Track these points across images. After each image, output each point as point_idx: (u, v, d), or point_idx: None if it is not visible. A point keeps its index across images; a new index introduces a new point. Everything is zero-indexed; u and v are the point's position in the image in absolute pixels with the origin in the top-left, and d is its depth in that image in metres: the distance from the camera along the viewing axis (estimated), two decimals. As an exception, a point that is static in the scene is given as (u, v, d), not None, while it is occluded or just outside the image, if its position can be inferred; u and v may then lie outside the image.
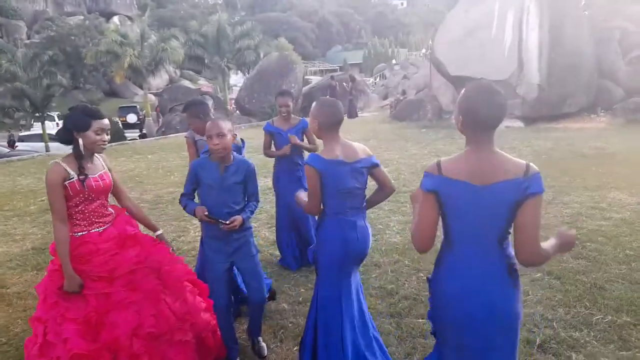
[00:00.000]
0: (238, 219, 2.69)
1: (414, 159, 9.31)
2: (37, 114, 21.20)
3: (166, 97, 21.62)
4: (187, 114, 3.58)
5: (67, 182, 2.42)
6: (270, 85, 19.74)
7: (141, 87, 25.36)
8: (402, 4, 74.24)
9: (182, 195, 2.87)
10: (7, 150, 17.55)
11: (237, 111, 22.90)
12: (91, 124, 2.46)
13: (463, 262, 1.80)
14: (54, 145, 18.26)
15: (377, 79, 31.35)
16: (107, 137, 2.54)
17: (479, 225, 1.75)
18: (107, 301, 2.46)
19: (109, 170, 2.65)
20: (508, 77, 12.43)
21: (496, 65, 12.36)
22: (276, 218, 4.61)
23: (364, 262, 4.36)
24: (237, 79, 33.97)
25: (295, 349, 3.14)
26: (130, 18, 42.60)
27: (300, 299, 3.83)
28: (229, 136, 2.68)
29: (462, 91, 1.81)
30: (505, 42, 12.42)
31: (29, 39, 35.07)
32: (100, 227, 2.55)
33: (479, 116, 1.72)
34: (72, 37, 31.29)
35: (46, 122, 21.02)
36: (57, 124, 22.70)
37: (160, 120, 23.61)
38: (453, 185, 1.74)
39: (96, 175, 2.53)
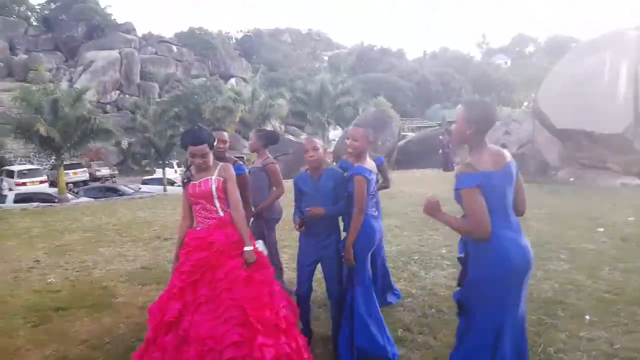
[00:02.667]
0: (318, 209, 3.18)
1: (512, 212, 8.80)
2: (159, 162, 23.84)
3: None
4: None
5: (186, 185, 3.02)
6: (367, 138, 20.16)
7: (248, 140, 27.52)
8: (505, 63, 72.77)
9: (294, 213, 3.42)
10: (131, 191, 19.87)
11: (335, 162, 23.65)
12: (187, 147, 2.93)
13: (508, 230, 2.35)
14: (172, 189, 20.28)
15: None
16: (199, 161, 2.90)
17: (506, 198, 2.35)
18: (171, 289, 2.86)
19: (224, 179, 2.94)
20: (623, 130, 11.42)
21: (608, 117, 11.47)
22: None
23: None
24: (336, 134, 35.29)
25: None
26: (244, 80, 47.06)
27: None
28: (321, 150, 3.27)
29: (465, 108, 2.40)
30: (619, 93, 11.52)
31: (160, 97, 40.17)
32: (202, 226, 2.96)
33: (491, 120, 2.38)
34: (195, 96, 35.25)
35: (166, 168, 23.52)
36: (176, 170, 25.24)
37: (263, 170, 25.18)
38: (489, 175, 2.29)
39: (197, 182, 2.94)
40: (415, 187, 13.09)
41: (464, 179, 2.27)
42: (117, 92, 40.57)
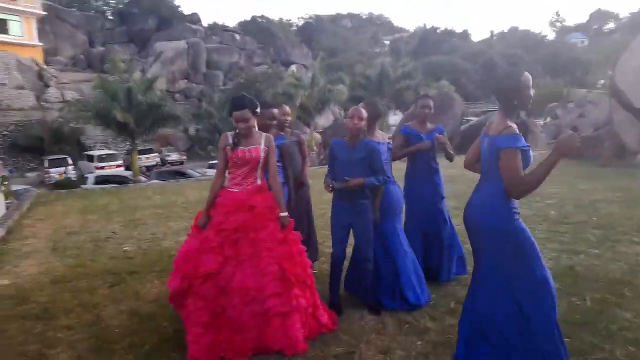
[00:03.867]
0: (357, 180, 3.31)
1: (582, 194, 8.34)
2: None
3: (330, 133, 23.28)
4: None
5: (227, 147, 3.13)
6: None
7: (308, 126, 27.90)
8: (582, 42, 67.68)
9: (326, 175, 3.55)
10: (198, 174, 20.85)
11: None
12: (232, 113, 3.12)
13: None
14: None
15: (548, 119, 28.84)
16: (242, 126, 3.09)
17: (484, 162, 2.60)
18: (206, 243, 3.05)
19: (268, 148, 3.14)
20: None
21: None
22: (405, 226, 4.14)
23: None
24: (395, 119, 34.79)
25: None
26: (305, 66, 47.44)
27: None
28: (364, 122, 3.39)
29: None
30: None
31: (224, 85, 41.51)
32: (239, 188, 3.14)
33: (511, 90, 2.49)
34: (257, 83, 36.09)
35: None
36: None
37: (322, 154, 25.41)
38: (482, 137, 2.69)
39: (245, 148, 3.11)
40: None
41: None
42: (185, 80, 42.37)
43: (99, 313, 3.87)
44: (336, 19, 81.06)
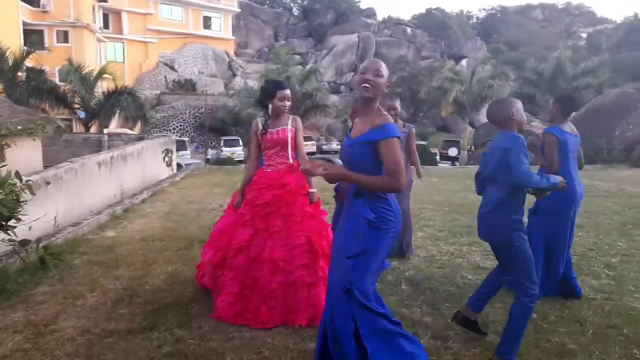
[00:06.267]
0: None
1: None
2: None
3: (482, 132, 21.61)
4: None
5: (258, 132, 3.41)
6: (600, 126, 16.62)
7: (470, 123, 26.28)
8: None
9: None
10: (340, 162, 21.63)
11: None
12: (276, 93, 3.32)
13: None
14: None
15: None
16: (287, 104, 3.35)
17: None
18: (240, 219, 3.33)
19: (295, 129, 3.39)
20: None
21: None
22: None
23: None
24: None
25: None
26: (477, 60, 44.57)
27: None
28: None
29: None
30: None
31: (388, 79, 41.69)
32: (272, 168, 3.39)
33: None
34: (420, 77, 35.38)
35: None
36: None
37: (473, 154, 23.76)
38: None
39: (274, 130, 3.36)
40: (647, 188, 10.42)
41: None
42: (352, 73, 43.87)
43: (150, 270, 4.38)
44: (525, 10, 73.85)
